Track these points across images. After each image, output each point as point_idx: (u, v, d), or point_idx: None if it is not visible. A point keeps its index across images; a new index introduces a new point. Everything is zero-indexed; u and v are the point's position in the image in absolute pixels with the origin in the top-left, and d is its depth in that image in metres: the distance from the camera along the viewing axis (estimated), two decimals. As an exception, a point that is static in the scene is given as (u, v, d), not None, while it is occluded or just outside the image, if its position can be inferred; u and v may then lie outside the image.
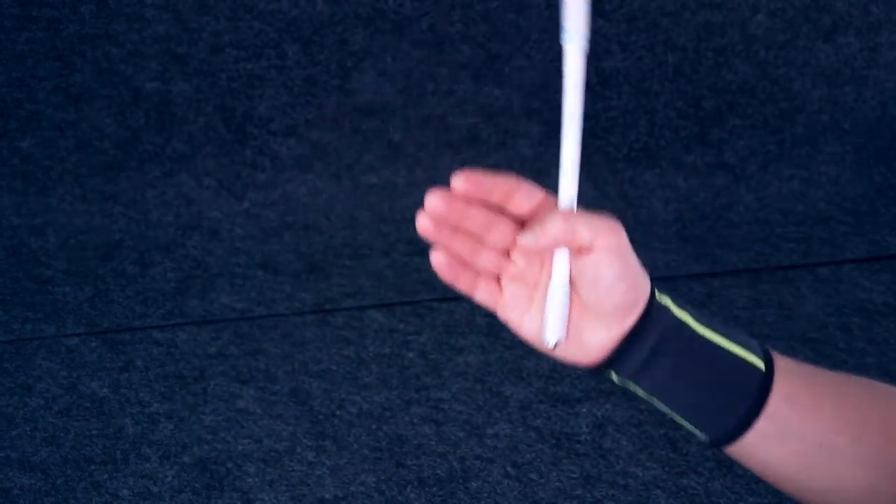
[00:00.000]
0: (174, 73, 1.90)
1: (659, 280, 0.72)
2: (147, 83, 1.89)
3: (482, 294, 0.73)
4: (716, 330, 0.74)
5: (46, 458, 1.28)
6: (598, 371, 0.74)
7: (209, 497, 1.22)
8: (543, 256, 0.73)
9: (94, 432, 1.33)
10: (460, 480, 1.25)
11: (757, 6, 2.03)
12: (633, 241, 0.70)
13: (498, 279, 0.74)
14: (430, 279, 1.63)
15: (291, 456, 1.29)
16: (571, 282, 0.72)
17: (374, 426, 1.37)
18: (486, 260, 0.73)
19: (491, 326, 1.58)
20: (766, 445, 0.73)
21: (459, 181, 0.70)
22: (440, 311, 1.64)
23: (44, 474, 1.25)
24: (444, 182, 0.70)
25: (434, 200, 0.70)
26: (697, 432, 0.75)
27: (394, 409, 1.41)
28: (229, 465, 1.27)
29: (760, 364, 0.73)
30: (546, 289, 0.72)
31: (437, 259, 0.72)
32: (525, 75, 1.95)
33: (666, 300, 0.73)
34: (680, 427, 1.41)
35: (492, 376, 1.49)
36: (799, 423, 0.73)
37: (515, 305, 0.73)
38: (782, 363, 0.74)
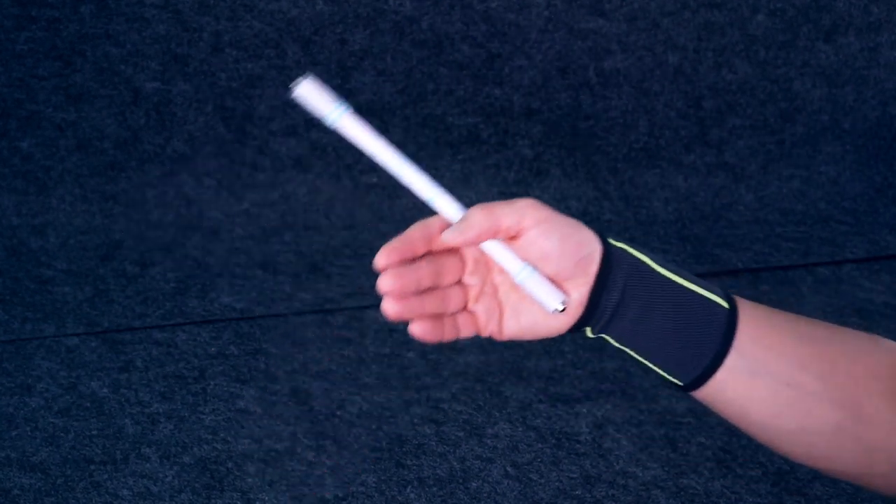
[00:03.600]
0: (174, 73, 1.90)
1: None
2: (147, 83, 1.90)
3: (465, 330, 0.77)
4: (677, 273, 0.76)
5: (46, 458, 1.28)
6: (574, 331, 0.76)
7: (209, 497, 1.22)
8: (489, 265, 0.77)
9: (94, 432, 1.33)
10: (460, 480, 1.25)
11: (757, 6, 2.04)
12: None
13: (466, 309, 0.77)
14: (430, 279, 1.63)
15: (291, 456, 1.29)
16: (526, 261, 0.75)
17: (374, 426, 1.37)
18: (453, 301, 0.77)
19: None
20: (735, 383, 0.74)
21: (382, 259, 0.73)
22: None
23: (44, 474, 1.25)
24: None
25: (386, 281, 0.74)
26: (671, 378, 0.76)
27: (394, 409, 1.41)
28: (229, 464, 1.27)
29: (724, 303, 0.75)
30: (504, 287, 0.76)
31: (418, 330, 0.76)
32: (525, 75, 1.94)
33: (622, 244, 0.76)
34: (680, 426, 1.41)
35: (492, 376, 1.49)
36: (766, 360, 0.74)
37: (490, 317, 0.77)
38: (746, 305, 0.76)
